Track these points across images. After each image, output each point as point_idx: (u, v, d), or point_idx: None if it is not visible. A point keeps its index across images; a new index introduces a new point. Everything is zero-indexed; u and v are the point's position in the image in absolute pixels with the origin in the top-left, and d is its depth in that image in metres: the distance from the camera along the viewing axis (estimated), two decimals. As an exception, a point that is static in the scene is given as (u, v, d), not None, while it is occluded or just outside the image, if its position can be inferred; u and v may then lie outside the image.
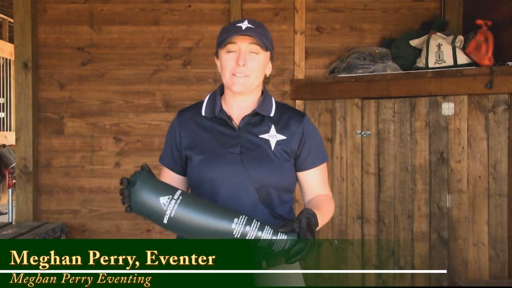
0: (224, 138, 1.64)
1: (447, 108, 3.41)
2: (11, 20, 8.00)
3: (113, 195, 4.21)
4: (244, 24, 1.59)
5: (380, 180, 3.61)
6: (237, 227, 1.42)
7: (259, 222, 1.44)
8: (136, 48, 4.21)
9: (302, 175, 1.70)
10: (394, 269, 3.58)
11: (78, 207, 4.20)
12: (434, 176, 3.45)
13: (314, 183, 1.70)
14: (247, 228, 1.42)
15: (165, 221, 1.43)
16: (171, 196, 1.44)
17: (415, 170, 3.49)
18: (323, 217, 1.57)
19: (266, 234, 1.42)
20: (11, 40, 7.96)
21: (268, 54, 1.65)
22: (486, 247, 3.35)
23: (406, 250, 3.54)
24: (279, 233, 1.43)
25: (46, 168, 4.19)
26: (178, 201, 1.44)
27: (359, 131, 3.68)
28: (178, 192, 1.46)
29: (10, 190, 5.67)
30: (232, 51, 1.60)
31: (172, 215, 1.42)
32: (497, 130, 3.32)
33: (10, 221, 4.97)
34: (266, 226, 1.43)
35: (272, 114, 1.68)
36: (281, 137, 1.64)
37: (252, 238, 1.42)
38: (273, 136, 1.64)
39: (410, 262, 3.52)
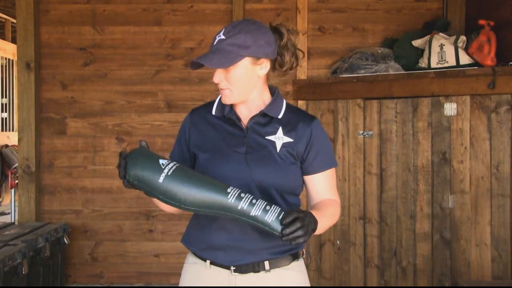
0: (232, 138, 1.64)
1: (450, 108, 3.41)
2: (14, 21, 8.02)
3: (115, 195, 4.21)
4: (218, 37, 1.58)
5: (382, 180, 3.61)
6: (232, 192, 1.43)
7: (252, 195, 1.45)
8: (138, 49, 4.21)
9: (308, 179, 1.68)
10: (396, 269, 3.58)
11: (81, 207, 4.21)
12: (436, 177, 3.45)
13: (320, 188, 1.68)
14: (242, 194, 1.43)
15: (160, 180, 1.42)
16: (170, 161, 1.47)
17: (417, 171, 3.49)
18: (324, 219, 1.55)
19: (260, 203, 1.42)
20: (13, 41, 7.98)
21: (246, 60, 1.59)
22: (489, 248, 3.34)
23: (408, 250, 3.53)
24: (273, 205, 1.44)
25: (49, 168, 4.20)
26: (177, 165, 1.46)
27: (361, 132, 3.68)
28: (176, 162, 1.49)
29: (12, 190, 5.67)
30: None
31: (169, 174, 1.42)
32: (500, 130, 3.31)
33: (13, 221, 4.97)
34: (259, 199, 1.44)
35: (280, 116, 1.67)
36: (288, 139, 1.63)
37: (246, 205, 1.41)
38: (279, 138, 1.63)
39: (412, 262, 3.52)
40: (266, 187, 1.58)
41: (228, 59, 1.57)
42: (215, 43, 1.58)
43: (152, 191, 1.45)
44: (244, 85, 1.62)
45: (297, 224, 1.38)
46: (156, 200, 1.63)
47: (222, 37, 1.58)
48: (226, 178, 1.55)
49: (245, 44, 1.58)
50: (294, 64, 1.69)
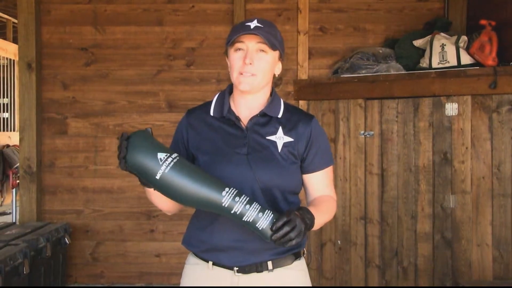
0: (232, 139, 1.63)
1: (451, 108, 3.41)
2: (15, 21, 8.03)
3: (116, 195, 4.21)
4: (253, 23, 1.59)
5: (384, 180, 3.61)
6: (227, 195, 1.42)
7: (248, 197, 1.44)
8: (140, 49, 4.21)
9: (307, 177, 1.69)
10: (397, 269, 3.58)
11: (82, 207, 4.21)
12: (437, 177, 3.44)
13: (318, 186, 1.69)
14: (236, 199, 1.42)
15: (157, 176, 1.41)
16: (169, 154, 1.44)
17: (418, 171, 3.49)
18: (321, 215, 1.56)
19: (253, 210, 1.41)
20: (15, 41, 7.99)
21: (276, 53, 1.64)
22: (490, 248, 3.34)
23: (409, 250, 3.53)
24: (266, 211, 1.43)
25: (50, 168, 4.20)
26: (175, 160, 1.44)
27: (362, 132, 3.68)
28: (176, 154, 1.46)
29: (14, 190, 5.68)
30: (240, 49, 1.60)
31: (166, 172, 1.41)
32: (501, 130, 3.31)
33: (14, 221, 4.98)
34: (255, 202, 1.43)
35: (280, 116, 1.67)
36: (288, 139, 1.63)
37: (239, 210, 1.41)
38: (280, 138, 1.63)
39: (413, 262, 3.52)
40: (269, 188, 1.58)
41: (272, 43, 1.60)
42: (252, 28, 1.57)
43: (148, 182, 1.45)
44: (266, 76, 1.64)
45: (287, 228, 1.38)
46: (153, 199, 1.63)
47: (259, 25, 1.59)
48: (228, 180, 1.54)
49: (278, 39, 1.64)
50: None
